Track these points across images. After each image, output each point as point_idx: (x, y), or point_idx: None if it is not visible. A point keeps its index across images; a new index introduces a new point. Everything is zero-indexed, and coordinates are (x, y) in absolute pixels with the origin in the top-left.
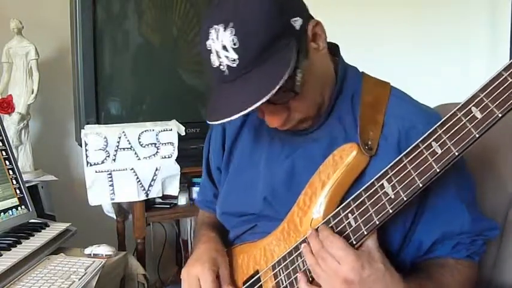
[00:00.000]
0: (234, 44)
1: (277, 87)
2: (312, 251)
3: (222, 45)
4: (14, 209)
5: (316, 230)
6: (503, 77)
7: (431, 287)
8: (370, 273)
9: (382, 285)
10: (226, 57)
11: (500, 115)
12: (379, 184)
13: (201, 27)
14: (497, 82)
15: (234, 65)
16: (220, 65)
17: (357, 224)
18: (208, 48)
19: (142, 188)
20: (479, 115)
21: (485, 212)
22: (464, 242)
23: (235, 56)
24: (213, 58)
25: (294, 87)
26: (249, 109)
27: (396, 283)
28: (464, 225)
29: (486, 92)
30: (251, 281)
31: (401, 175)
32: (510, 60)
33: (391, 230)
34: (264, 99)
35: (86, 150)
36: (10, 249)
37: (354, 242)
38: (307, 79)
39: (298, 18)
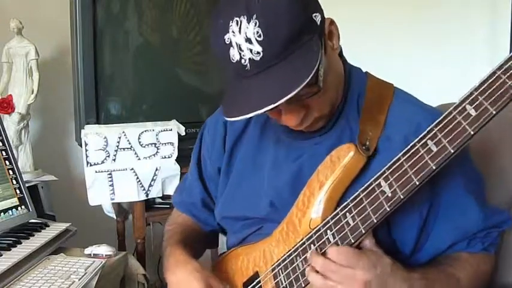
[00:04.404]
0: (259, 36)
1: (308, 79)
2: (316, 269)
3: (245, 37)
4: (14, 209)
5: (316, 249)
6: (497, 75)
7: (436, 276)
8: (381, 268)
9: (393, 276)
10: (250, 50)
11: (494, 112)
12: (376, 183)
13: (215, 22)
14: (490, 80)
15: (258, 58)
16: (241, 58)
17: (354, 222)
18: (227, 42)
19: (142, 188)
20: (473, 113)
21: None
22: (479, 236)
23: (260, 49)
24: (233, 52)
25: (318, 82)
26: (281, 101)
27: (401, 272)
28: (479, 224)
29: (480, 90)
30: (250, 283)
31: (398, 173)
32: (504, 59)
33: (405, 231)
34: (295, 92)
35: (86, 150)
36: (10, 249)
37: (352, 241)
38: (326, 76)
39: (318, 14)
